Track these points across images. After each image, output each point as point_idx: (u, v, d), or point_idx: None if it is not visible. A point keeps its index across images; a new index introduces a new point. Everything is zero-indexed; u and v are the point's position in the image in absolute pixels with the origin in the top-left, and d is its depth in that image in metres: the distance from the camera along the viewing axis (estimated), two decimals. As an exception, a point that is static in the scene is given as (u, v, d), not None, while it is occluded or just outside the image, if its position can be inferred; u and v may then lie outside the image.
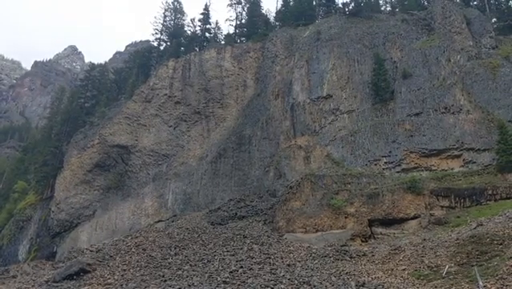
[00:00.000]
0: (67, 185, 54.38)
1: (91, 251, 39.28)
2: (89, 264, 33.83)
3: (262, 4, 70.03)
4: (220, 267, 30.79)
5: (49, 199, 58.25)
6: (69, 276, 32.76)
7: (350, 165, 41.93)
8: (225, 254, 33.52)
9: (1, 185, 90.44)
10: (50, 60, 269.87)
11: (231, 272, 29.66)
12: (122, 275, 31.75)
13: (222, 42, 64.96)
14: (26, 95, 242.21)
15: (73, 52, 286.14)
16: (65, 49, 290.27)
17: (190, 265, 31.98)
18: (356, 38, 51.48)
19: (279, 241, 35.17)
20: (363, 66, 49.07)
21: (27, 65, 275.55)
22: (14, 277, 38.48)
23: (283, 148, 46.80)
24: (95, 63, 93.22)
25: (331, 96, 48.01)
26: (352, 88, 47.90)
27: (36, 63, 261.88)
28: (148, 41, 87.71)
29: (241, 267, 30.35)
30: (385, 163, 41.59)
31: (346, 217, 36.13)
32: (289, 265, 30.22)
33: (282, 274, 28.57)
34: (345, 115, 46.41)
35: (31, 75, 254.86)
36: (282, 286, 26.60)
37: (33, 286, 33.62)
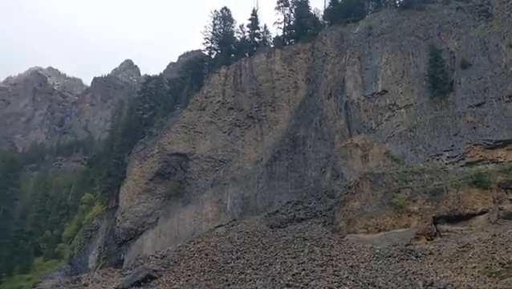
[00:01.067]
0: (131, 194, 56.38)
1: (156, 258, 40.45)
2: (155, 270, 34.87)
3: (309, 4, 69.42)
4: (282, 270, 30.76)
5: (114, 209, 60.59)
6: (137, 282, 33.91)
7: (410, 162, 40.58)
8: (287, 256, 33.45)
9: (69, 197, 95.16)
10: (108, 75, 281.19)
11: (293, 275, 29.55)
12: (187, 280, 32.46)
13: (271, 46, 65.04)
14: (87, 110, 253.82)
15: (129, 66, 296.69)
16: (121, 63, 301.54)
17: (252, 268, 32.18)
18: (409, 31, 49.85)
19: (340, 242, 34.64)
20: (419, 58, 47.42)
21: (87, 81, 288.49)
22: (85, 285, 40.35)
23: (339, 147, 46.12)
24: (151, 75, 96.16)
25: (387, 92, 46.76)
26: (408, 82, 46.40)
27: (95, 79, 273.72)
28: (199, 50, 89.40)
29: (304, 270, 30.17)
30: (448, 157, 39.86)
31: (409, 216, 34.97)
32: (352, 266, 29.71)
33: (345, 275, 28.14)
34: (402, 110, 45.02)
35: (92, 90, 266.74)
36: (347, 288, 26.22)
37: (104, 292, 35.08)
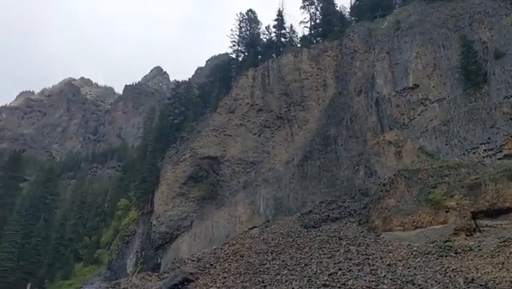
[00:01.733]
0: (165, 198, 57.18)
1: (192, 261, 40.85)
2: (192, 273, 35.22)
3: (335, 1, 68.90)
4: (318, 270, 30.57)
5: (149, 214, 61.60)
6: (174, 286, 34.33)
7: (445, 156, 39.66)
8: (322, 256, 33.21)
9: (106, 203, 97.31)
10: (138, 83, 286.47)
11: (330, 275, 29.31)
12: (223, 283, 32.65)
13: (298, 46, 64.88)
14: (120, 118, 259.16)
15: (159, 73, 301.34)
16: (151, 70, 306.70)
17: (288, 269, 32.09)
18: (439, 23, 48.77)
19: (377, 241, 34.13)
20: (450, 50, 46.33)
21: (119, 90, 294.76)
22: (124, 289, 41.07)
23: (371, 144, 45.52)
24: (180, 80, 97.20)
25: (418, 86, 45.87)
26: (440, 75, 45.38)
27: (127, 87, 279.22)
28: (226, 54, 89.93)
29: (340, 269, 29.88)
30: (484, 150, 38.74)
31: (447, 212, 34.12)
32: (389, 265, 29.22)
33: (383, 274, 27.71)
34: (435, 104, 44.05)
35: (123, 98, 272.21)
36: (385, 286, 25.82)
37: (142, 296, 35.65)
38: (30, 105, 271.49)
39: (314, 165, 48.85)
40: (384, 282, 26.26)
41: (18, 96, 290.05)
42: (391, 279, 26.54)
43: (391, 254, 30.90)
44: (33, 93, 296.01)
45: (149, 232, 58.81)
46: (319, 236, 37.58)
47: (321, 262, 32.08)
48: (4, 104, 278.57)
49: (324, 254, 33.66)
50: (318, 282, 28.34)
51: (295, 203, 48.04)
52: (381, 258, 30.49)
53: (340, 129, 49.45)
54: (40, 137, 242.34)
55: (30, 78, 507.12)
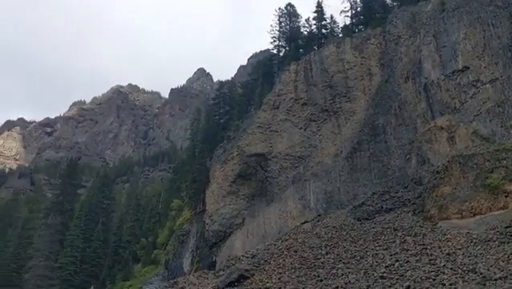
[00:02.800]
0: (216, 197, 57.96)
1: (246, 258, 41.21)
2: (247, 270, 35.54)
3: (376, -13, 67.21)
4: (374, 263, 30.09)
5: (202, 213, 62.65)
6: (231, 283, 34.77)
7: (502, 139, 37.90)
8: (378, 249, 32.65)
9: (160, 205, 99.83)
10: (183, 86, 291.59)
11: (387, 267, 28.79)
12: (279, 278, 32.75)
13: (340, 36, 63.90)
14: (168, 121, 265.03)
15: (202, 74, 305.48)
16: (195, 73, 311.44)
17: (343, 263, 31.78)
18: (487, 1, 46.56)
19: (433, 230, 33.17)
20: (500, 29, 44.17)
21: (165, 93, 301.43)
22: (182, 288, 41.98)
23: (422, 131, 44.19)
24: (223, 80, 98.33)
25: (468, 68, 44.03)
26: (491, 55, 43.36)
27: (172, 91, 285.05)
28: (267, 50, 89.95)
29: (397, 261, 29.28)
30: (544, 130, 36.82)
31: (506, 196, 32.67)
32: (449, 254, 28.35)
33: (442, 264, 26.92)
34: (488, 85, 42.15)
35: (170, 102, 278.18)
36: (445, 276, 25.07)
37: (200, 294, 36.33)
38: (82, 114, 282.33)
39: (363, 156, 47.99)
40: (444, 272, 25.52)
41: (70, 106, 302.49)
42: (451, 269, 25.75)
43: (449, 243, 29.96)
44: (84, 102, 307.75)
45: (203, 231, 59.82)
46: (373, 228, 36.96)
47: (377, 254, 31.55)
48: (58, 115, 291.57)
49: (379, 245, 33.07)
50: (375, 275, 27.92)
51: (346, 196, 47.42)
52: (439, 248, 29.62)
53: (389, 118, 48.32)
54: (94, 144, 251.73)
55: (80, 88, 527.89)
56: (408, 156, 44.81)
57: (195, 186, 67.88)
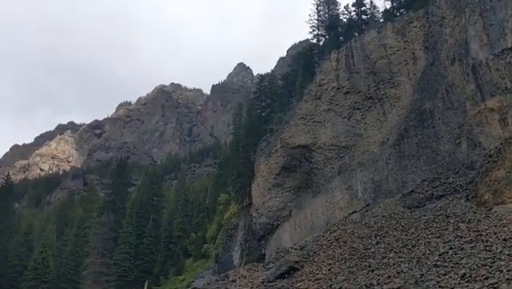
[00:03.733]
0: (261, 190, 58.17)
1: (295, 250, 41.21)
2: (296, 262, 35.53)
3: (416, -32, 65.10)
4: (427, 251, 29.33)
5: (249, 206, 63.09)
6: (281, 275, 34.88)
7: (559, 118, 35.98)
8: (430, 236, 31.81)
9: (207, 200, 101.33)
10: (224, 81, 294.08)
11: (440, 255, 27.99)
12: (329, 269, 32.55)
13: (381, 21, 62.38)
14: (211, 117, 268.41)
15: (242, 69, 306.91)
16: (235, 67, 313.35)
17: (395, 252, 31.18)
18: (536, -27, 44.13)
19: (488, 215, 31.94)
20: (552, 2, 41.79)
21: (207, 90, 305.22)
22: (233, 281, 42.53)
23: (472, 114, 42.52)
24: (263, 73, 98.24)
25: (518, 46, 41.93)
26: (543, 30, 41.12)
27: (214, 87, 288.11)
28: (306, 40, 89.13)
29: (451, 248, 28.42)
30: None
31: None
32: (505, 240, 27.19)
33: (499, 250, 25.89)
34: (540, 62, 40.04)
35: (212, 98, 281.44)
36: (502, 262, 24.11)
37: (251, 287, 36.66)
38: (129, 115, 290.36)
39: (411, 143, 46.77)
40: (501, 258, 24.56)
41: (117, 108, 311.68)
42: (508, 255, 24.74)
43: (505, 229, 28.74)
44: (130, 103, 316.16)
45: (250, 224, 60.25)
46: (425, 216, 36.03)
47: (429, 242, 30.74)
48: (106, 117, 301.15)
49: (432, 233, 32.21)
50: (428, 263, 27.22)
51: (395, 184, 46.42)
52: (495, 234, 28.49)
53: (436, 102, 46.80)
54: (141, 144, 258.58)
55: (125, 89, 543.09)
56: (458, 141, 43.30)
57: (240, 180, 68.37)
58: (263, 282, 35.87)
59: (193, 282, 64.28)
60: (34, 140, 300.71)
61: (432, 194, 39.65)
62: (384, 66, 53.30)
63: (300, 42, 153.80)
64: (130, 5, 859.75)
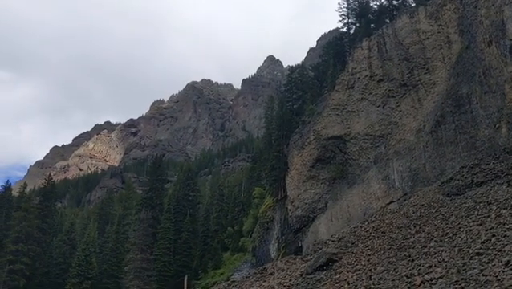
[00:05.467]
0: (296, 183, 58.04)
1: (333, 241, 40.94)
2: (334, 254, 35.28)
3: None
4: (469, 239, 28.55)
5: (284, 199, 63.13)
6: (319, 267, 34.72)
7: None
8: (471, 224, 30.93)
9: (242, 194, 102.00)
10: (254, 75, 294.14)
11: (483, 242, 27.18)
12: (368, 260, 32.18)
13: (413, 5, 60.87)
14: (242, 112, 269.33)
15: (272, 62, 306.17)
16: (264, 61, 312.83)
17: (435, 241, 30.51)
18: None
19: (532, 201, 30.82)
20: None
21: (237, 85, 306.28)
22: (271, 274, 42.64)
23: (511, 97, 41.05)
24: (293, 65, 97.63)
25: (560, 23, 40.17)
26: None
27: (244, 81, 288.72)
28: (336, 29, 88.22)
29: (494, 236, 27.54)
30: None
31: None
32: (550, 225, 26.20)
33: (544, 236, 24.97)
34: None
35: (243, 93, 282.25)
36: (551, 250, 23.23)
37: (290, 280, 36.66)
38: (162, 113, 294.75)
39: (448, 129, 45.57)
40: (547, 245, 23.68)
41: (151, 106, 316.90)
42: (554, 241, 23.84)
43: (551, 214, 27.69)
44: (163, 101, 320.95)
45: (286, 217, 60.28)
46: (465, 203, 35.07)
47: (471, 230, 29.91)
48: (141, 115, 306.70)
49: (473, 221, 31.31)
50: (470, 252, 26.49)
51: (433, 172, 45.39)
52: (541, 220, 27.47)
53: (473, 86, 45.40)
54: (175, 141, 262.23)
55: (158, 87, 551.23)
56: (497, 125, 41.88)
57: (274, 173, 68.40)
58: (302, 275, 35.79)
59: (231, 275, 64.95)
60: (73, 140, 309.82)
61: (472, 181, 38.54)
62: (418, 51, 52.06)
63: (330, 32, 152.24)
64: (159, 4, 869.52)
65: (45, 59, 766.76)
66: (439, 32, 51.68)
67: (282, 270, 41.91)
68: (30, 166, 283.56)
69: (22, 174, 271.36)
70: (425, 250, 29.71)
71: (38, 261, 73.73)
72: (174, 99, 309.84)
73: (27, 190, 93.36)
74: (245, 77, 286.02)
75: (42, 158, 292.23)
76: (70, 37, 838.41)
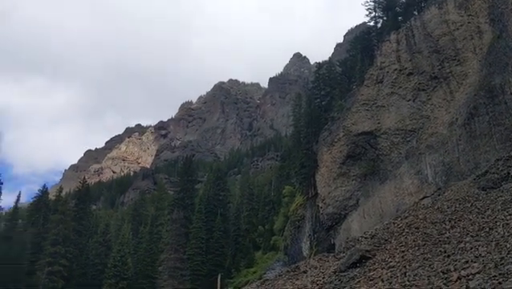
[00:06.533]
0: (326, 180, 57.67)
1: (365, 238, 40.49)
2: (368, 251, 34.90)
3: None
4: (506, 233, 27.78)
5: (314, 197, 62.81)
6: (352, 264, 34.41)
7: None
8: (508, 218, 30.08)
9: (272, 192, 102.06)
10: (281, 73, 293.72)
11: (521, 237, 26.45)
12: (402, 257, 31.71)
13: (441, -4, 59.57)
14: (270, 110, 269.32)
15: (298, 59, 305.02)
16: (291, 58, 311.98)
17: (471, 236, 29.82)
18: None
19: None
20: None
21: (264, 83, 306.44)
22: (304, 272, 42.44)
23: (548, 86, 39.73)
24: (320, 61, 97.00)
25: None
26: None
27: (271, 80, 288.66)
28: (364, 23, 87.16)
29: (533, 230, 26.79)
30: None
31: None
32: None
33: None
34: None
35: (270, 91, 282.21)
36: None
37: (323, 277, 36.46)
38: (191, 114, 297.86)
39: (482, 121, 44.42)
40: None
41: (179, 108, 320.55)
42: None
43: None
44: (191, 103, 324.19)
45: (317, 215, 59.99)
46: (501, 196, 34.12)
47: (508, 224, 29.09)
48: (170, 117, 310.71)
49: (510, 214, 30.45)
50: (508, 246, 25.77)
51: (467, 165, 44.34)
52: None
53: (506, 76, 44.11)
54: (204, 141, 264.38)
55: (186, 88, 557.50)
56: (534, 116, 40.63)
57: (304, 171, 68.13)
58: (335, 272, 35.51)
59: (264, 274, 65.10)
60: (105, 144, 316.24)
61: (508, 173, 37.45)
62: (448, 43, 50.94)
63: (357, 27, 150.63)
64: (183, 4, 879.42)
65: (79, 64, 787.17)
66: (469, 22, 50.45)
67: (315, 268, 41.70)
68: (65, 170, 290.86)
69: (58, 178, 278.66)
70: (461, 245, 29.08)
71: (75, 262, 75.60)
72: (202, 100, 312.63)
73: (63, 194, 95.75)
74: (272, 75, 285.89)
75: (76, 162, 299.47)
76: (102, 42, 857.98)
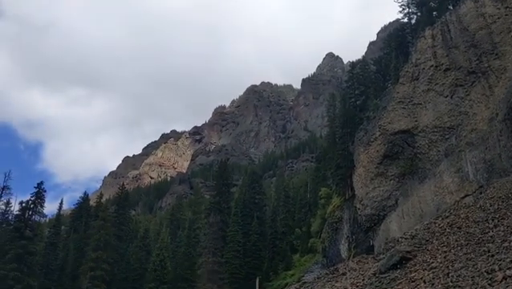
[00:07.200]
0: (363, 181, 56.88)
1: (405, 239, 39.70)
2: (408, 252, 34.21)
3: None
4: (555, 232, 26.73)
5: (352, 198, 62.04)
6: (393, 266, 33.80)
7: None
8: (556, 215, 28.95)
9: (308, 195, 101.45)
10: (314, 73, 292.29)
11: None
12: (444, 257, 30.92)
13: (477, -11, 57.95)
14: (303, 111, 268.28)
15: (331, 59, 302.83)
16: (324, 58, 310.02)
17: (516, 235, 28.80)
18: None
19: None
20: None
21: (297, 84, 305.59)
22: (343, 274, 42.03)
23: None
24: (354, 60, 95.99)
25: None
26: None
27: (304, 81, 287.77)
28: (397, 20, 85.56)
29: None
30: None
31: None
32: None
33: None
34: None
35: (303, 92, 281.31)
36: None
37: (363, 279, 35.97)
38: (224, 118, 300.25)
39: (524, 116, 42.86)
40: None
41: (213, 113, 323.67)
42: None
43: None
44: (224, 107, 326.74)
45: (355, 216, 59.23)
46: (548, 193, 32.85)
47: (556, 222, 27.98)
48: (204, 122, 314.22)
49: (558, 212, 29.28)
50: (557, 245, 24.79)
51: (509, 162, 42.78)
52: None
53: (549, 68, 42.48)
54: (238, 145, 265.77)
55: (220, 93, 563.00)
56: None
57: (340, 172, 67.41)
58: (375, 274, 34.95)
59: (302, 276, 64.76)
60: (142, 150, 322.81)
61: (556, 169, 36.03)
62: (485, 36, 49.44)
63: (390, 24, 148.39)
64: (213, 8, 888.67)
65: (117, 75, 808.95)
66: (506, 15, 48.81)
67: (354, 270, 41.21)
68: (105, 177, 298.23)
69: (99, 185, 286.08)
70: (505, 244, 28.10)
71: (116, 267, 77.38)
72: (235, 104, 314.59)
73: (103, 200, 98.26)
74: (305, 76, 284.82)
75: (115, 168, 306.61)
76: (138, 54, 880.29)
